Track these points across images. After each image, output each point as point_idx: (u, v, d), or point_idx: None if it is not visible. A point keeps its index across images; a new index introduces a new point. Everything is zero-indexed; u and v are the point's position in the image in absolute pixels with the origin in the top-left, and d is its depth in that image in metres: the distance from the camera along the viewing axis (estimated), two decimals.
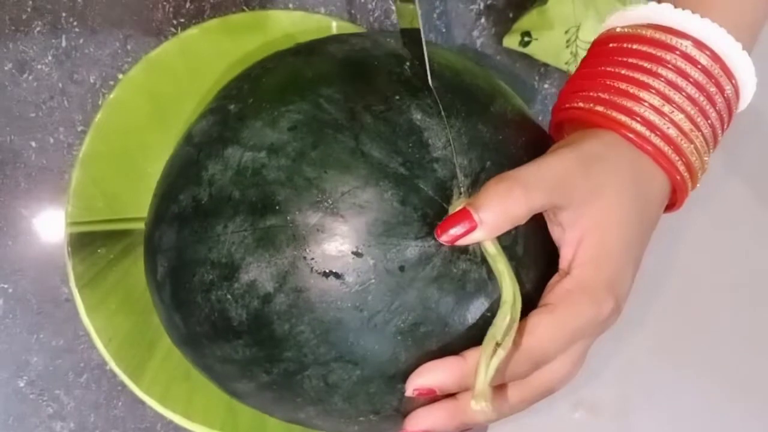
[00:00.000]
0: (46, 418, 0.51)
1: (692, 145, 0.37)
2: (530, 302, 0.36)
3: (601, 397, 0.50)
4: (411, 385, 0.35)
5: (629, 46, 0.37)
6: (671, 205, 0.39)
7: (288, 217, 0.34)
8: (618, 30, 0.39)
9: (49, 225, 0.51)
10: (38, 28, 0.50)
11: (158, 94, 0.50)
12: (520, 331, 0.34)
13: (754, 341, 0.69)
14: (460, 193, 0.35)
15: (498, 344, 0.33)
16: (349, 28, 0.53)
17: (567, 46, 0.57)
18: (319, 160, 0.34)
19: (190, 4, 0.52)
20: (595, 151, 0.36)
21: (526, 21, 0.57)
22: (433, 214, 0.34)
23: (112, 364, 0.48)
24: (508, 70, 0.59)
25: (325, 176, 0.34)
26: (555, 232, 0.37)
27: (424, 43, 0.38)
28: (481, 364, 0.33)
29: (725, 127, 0.38)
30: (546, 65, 0.59)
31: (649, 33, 0.37)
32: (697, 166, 0.37)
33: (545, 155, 0.36)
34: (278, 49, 0.44)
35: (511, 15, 0.59)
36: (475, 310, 0.35)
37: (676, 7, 0.37)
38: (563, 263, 0.36)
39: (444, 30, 0.57)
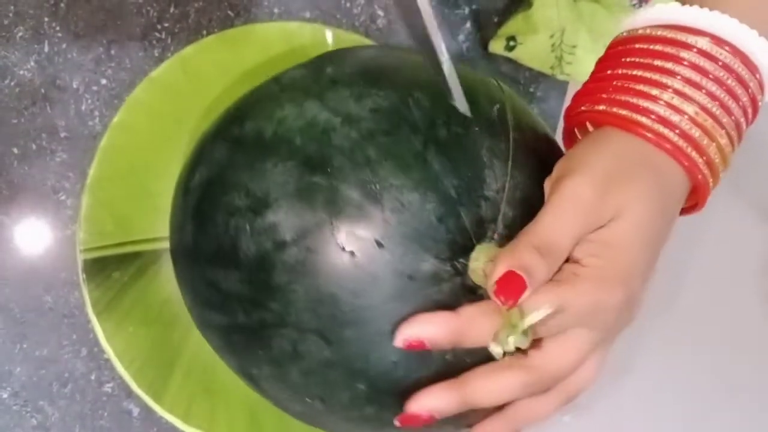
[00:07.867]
0: (30, 430, 0.50)
1: (714, 143, 0.35)
2: None
3: (590, 401, 0.50)
4: (400, 335, 0.34)
5: (644, 46, 0.36)
6: (693, 206, 0.38)
7: (333, 183, 0.35)
8: (631, 32, 0.37)
9: (32, 233, 0.50)
10: (20, 33, 0.49)
11: (161, 113, 0.50)
12: None
13: (746, 344, 0.70)
14: (491, 239, 0.36)
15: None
16: (344, 36, 0.53)
17: (552, 51, 0.58)
18: (385, 148, 0.36)
19: (174, 8, 0.52)
20: (608, 168, 0.34)
21: (512, 25, 0.58)
22: (460, 244, 0.35)
23: (134, 386, 0.47)
24: (493, 74, 0.59)
25: (383, 164, 0.35)
26: None
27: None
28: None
29: (750, 121, 0.37)
30: (531, 69, 0.60)
31: (664, 33, 0.36)
32: (718, 163, 0.36)
33: (559, 193, 0.34)
34: (282, 62, 0.42)
35: (496, 20, 0.59)
36: None
37: (691, 5, 0.36)
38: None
39: None
